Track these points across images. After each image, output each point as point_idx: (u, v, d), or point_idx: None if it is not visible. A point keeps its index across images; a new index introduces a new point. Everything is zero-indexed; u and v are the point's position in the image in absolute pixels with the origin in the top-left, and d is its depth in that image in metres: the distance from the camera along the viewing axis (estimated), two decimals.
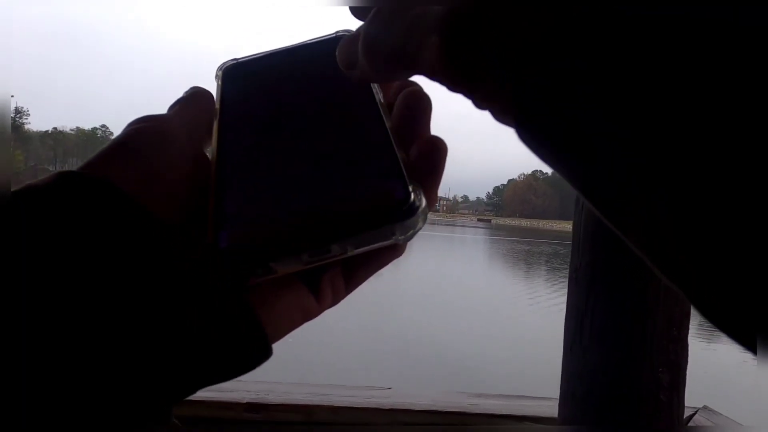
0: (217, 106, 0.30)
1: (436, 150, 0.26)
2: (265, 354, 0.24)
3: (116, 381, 0.20)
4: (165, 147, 0.26)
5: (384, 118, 0.27)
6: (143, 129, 0.26)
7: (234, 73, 0.32)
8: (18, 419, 0.19)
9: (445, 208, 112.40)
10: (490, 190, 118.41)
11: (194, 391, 0.23)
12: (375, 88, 0.28)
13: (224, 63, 0.33)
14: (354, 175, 0.25)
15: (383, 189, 0.24)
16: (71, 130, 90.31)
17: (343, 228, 0.24)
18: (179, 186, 0.25)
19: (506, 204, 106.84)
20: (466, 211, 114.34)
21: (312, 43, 0.32)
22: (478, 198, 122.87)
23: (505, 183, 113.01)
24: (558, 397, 1.25)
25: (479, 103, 0.21)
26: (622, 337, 1.15)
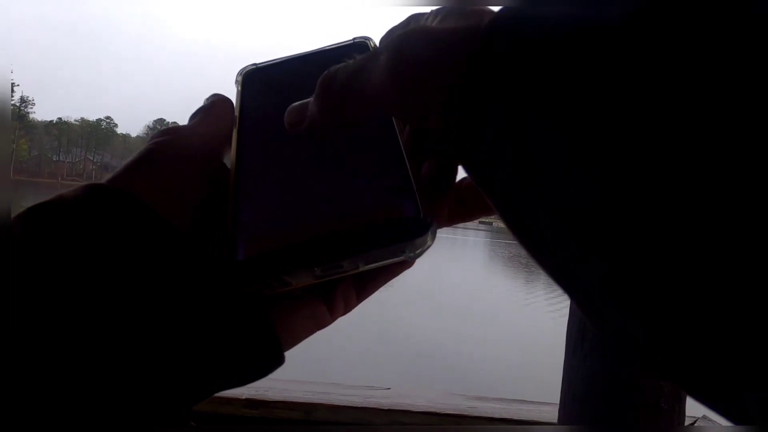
0: (237, 113, 0.30)
1: (448, 169, 0.27)
2: (278, 361, 0.25)
3: (133, 385, 0.21)
4: (186, 160, 0.27)
5: (398, 134, 0.28)
6: (165, 142, 0.27)
7: (253, 78, 0.33)
8: (51, 415, 0.20)
9: None
10: None
11: (209, 396, 0.24)
12: None
13: (244, 68, 0.33)
14: (367, 191, 0.26)
15: (395, 206, 0.25)
16: (76, 120, 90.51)
17: (355, 244, 0.24)
18: (200, 198, 0.26)
19: None
20: None
21: (330, 49, 0.33)
22: None
23: None
24: (558, 402, 1.25)
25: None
26: (609, 338, 1.14)
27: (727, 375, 0.14)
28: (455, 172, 0.27)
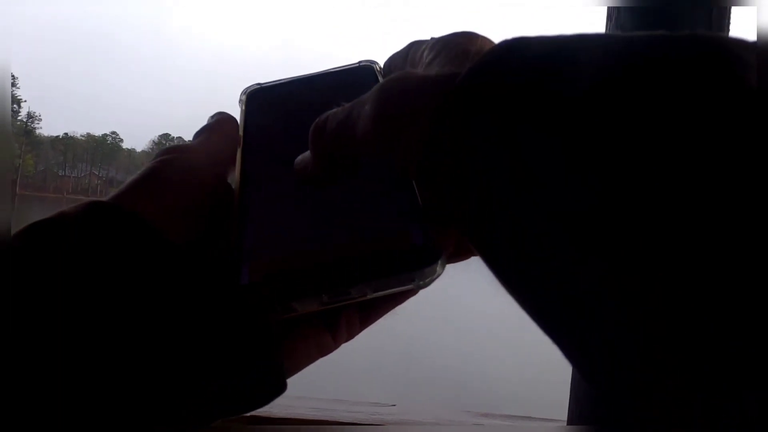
0: (241, 132, 0.30)
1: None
2: (281, 389, 0.25)
3: (130, 404, 0.21)
4: (190, 179, 0.26)
5: None
6: (170, 161, 0.27)
7: (258, 98, 0.33)
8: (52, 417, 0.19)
9: None
10: None
11: (209, 423, 0.24)
12: None
13: (248, 87, 0.33)
14: (376, 219, 0.26)
15: (405, 234, 0.25)
16: (82, 135, 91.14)
17: (363, 272, 0.24)
18: (202, 217, 0.26)
19: None
20: None
21: (335, 72, 0.32)
22: None
23: None
24: (565, 420, 1.24)
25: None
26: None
27: (727, 375, 0.14)
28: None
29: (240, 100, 0.33)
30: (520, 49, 0.20)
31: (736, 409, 0.15)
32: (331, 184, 0.27)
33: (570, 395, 1.23)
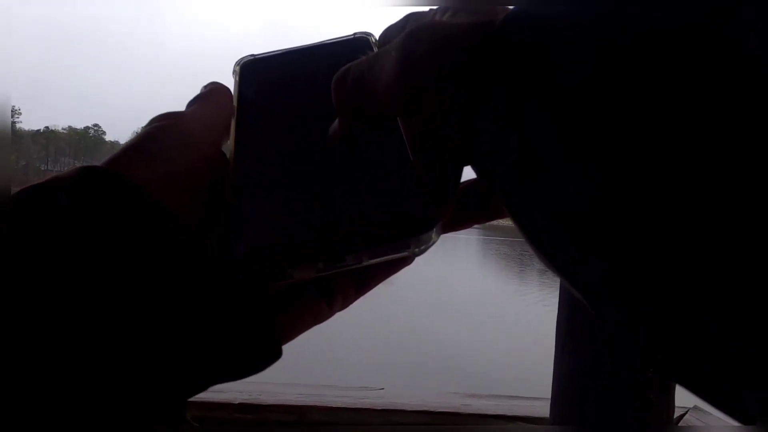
0: (235, 102, 0.30)
1: (454, 165, 0.26)
2: (276, 355, 0.25)
3: (125, 376, 0.20)
4: (184, 145, 0.26)
5: (403, 131, 0.27)
6: (163, 127, 0.26)
7: (252, 69, 0.32)
8: (45, 410, 0.19)
9: None
10: None
11: (204, 389, 0.23)
12: None
13: (242, 58, 0.33)
14: (372, 186, 0.26)
15: (400, 202, 0.25)
16: (63, 129, 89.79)
17: (359, 239, 0.24)
18: (197, 184, 0.25)
19: None
20: None
21: (330, 43, 0.32)
22: None
23: None
24: (549, 398, 1.25)
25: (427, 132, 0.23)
26: (612, 335, 1.15)
27: (727, 375, 0.14)
28: (461, 170, 0.26)
29: (233, 71, 0.32)
30: (538, 14, 0.18)
31: (737, 408, 0.15)
32: (351, 136, 0.26)
33: (553, 376, 1.25)
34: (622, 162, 0.15)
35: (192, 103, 0.29)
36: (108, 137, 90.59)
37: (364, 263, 0.24)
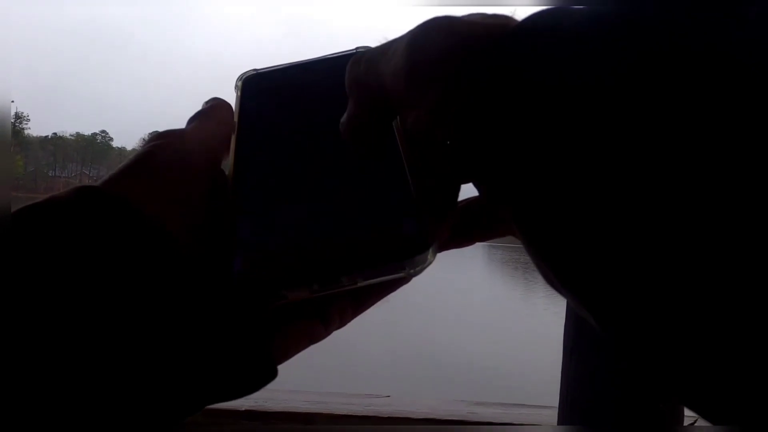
0: (236, 118, 0.30)
1: (451, 185, 0.26)
2: (271, 375, 0.25)
3: (122, 395, 0.20)
4: (182, 164, 0.26)
5: (400, 148, 0.27)
6: (161, 146, 0.26)
7: (254, 84, 0.32)
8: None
9: None
10: None
11: (200, 409, 0.23)
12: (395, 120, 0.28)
13: (244, 73, 0.33)
14: (368, 207, 0.26)
15: (396, 223, 0.25)
16: (71, 135, 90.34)
17: (354, 260, 0.24)
18: (195, 204, 0.26)
19: None
20: None
21: (332, 58, 0.32)
22: None
23: None
24: (557, 406, 1.25)
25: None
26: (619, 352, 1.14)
27: (726, 376, 0.14)
28: (458, 189, 0.26)
29: (236, 86, 0.32)
30: (549, 24, 0.18)
31: (733, 409, 0.15)
32: (367, 137, 0.26)
33: (561, 385, 1.24)
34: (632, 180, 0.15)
35: (193, 120, 0.29)
36: (115, 143, 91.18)
37: (359, 284, 0.24)
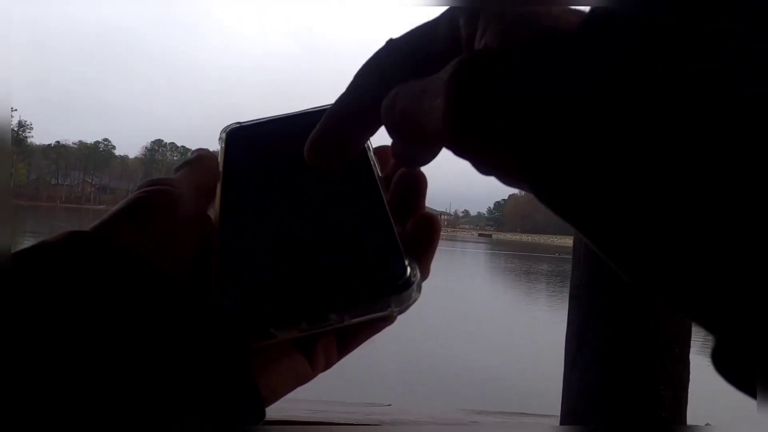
0: (221, 168, 0.31)
1: (431, 226, 0.27)
2: (260, 417, 0.25)
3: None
4: (172, 210, 0.27)
5: (382, 192, 0.28)
6: (151, 192, 0.27)
7: (237, 135, 0.34)
8: None
9: (446, 222, 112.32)
10: (491, 205, 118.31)
11: None
12: (373, 161, 0.30)
13: (228, 126, 0.34)
14: (353, 247, 0.27)
15: (381, 262, 0.26)
16: (74, 143, 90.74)
17: (341, 299, 0.25)
18: (184, 247, 0.26)
19: (507, 219, 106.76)
20: (467, 226, 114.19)
21: (314, 111, 0.33)
22: (479, 213, 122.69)
23: (507, 198, 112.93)
24: (558, 415, 1.25)
25: (484, 170, 0.20)
26: (623, 354, 1.14)
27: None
28: (439, 229, 0.28)
29: (220, 138, 0.34)
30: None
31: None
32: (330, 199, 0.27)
33: (562, 395, 1.24)
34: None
35: (180, 168, 0.30)
36: (117, 152, 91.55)
37: (347, 322, 0.25)
